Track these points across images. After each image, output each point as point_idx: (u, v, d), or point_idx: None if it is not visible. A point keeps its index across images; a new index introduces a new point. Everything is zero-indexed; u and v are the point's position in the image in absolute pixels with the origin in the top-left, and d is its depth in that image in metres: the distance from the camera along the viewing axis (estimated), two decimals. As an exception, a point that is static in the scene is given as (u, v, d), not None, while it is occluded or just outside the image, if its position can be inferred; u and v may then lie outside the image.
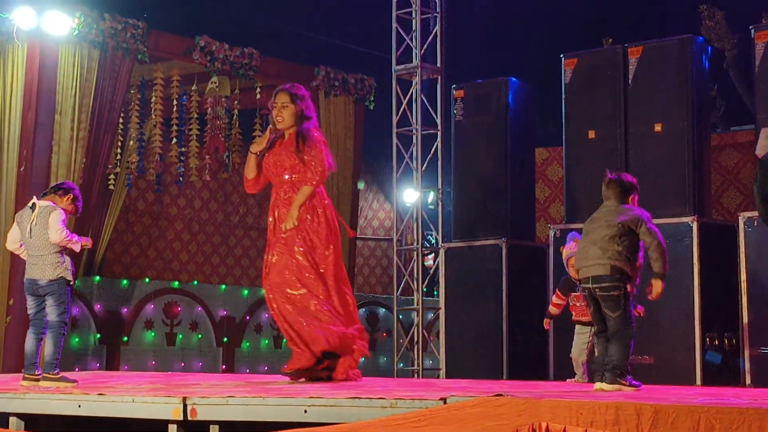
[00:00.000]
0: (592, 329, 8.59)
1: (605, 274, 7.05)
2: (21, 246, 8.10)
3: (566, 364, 10.73)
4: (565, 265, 9.13)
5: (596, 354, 7.42)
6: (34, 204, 8.00)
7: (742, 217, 10.07)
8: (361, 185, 14.85)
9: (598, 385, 7.04)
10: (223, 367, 14.30)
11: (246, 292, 15.04)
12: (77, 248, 7.99)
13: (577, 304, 9.06)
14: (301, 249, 8.39)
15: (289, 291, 8.34)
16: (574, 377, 9.28)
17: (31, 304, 7.99)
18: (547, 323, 9.56)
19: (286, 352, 15.22)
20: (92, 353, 13.17)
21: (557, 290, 9.29)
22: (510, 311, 11.78)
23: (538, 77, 14.11)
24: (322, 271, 8.41)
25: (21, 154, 12.01)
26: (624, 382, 6.96)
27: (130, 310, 13.59)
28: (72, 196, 8.12)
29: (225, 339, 14.39)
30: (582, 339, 9.11)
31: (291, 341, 8.33)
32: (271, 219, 8.65)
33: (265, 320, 14.77)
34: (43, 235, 7.87)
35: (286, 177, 8.47)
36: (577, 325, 9.20)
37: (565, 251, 9.09)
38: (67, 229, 7.94)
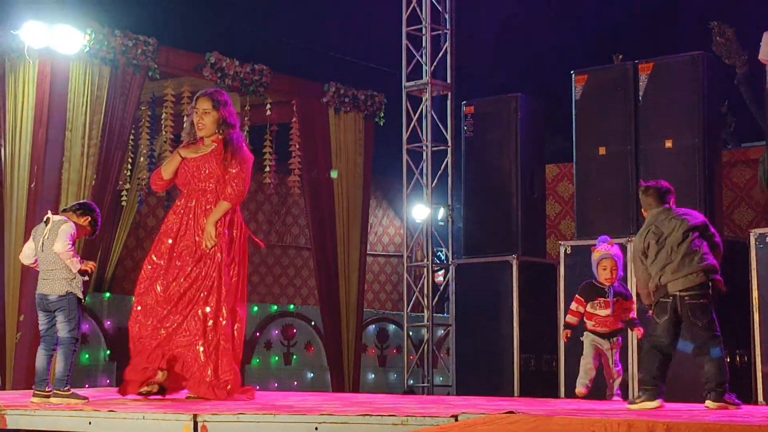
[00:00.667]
0: (612, 340, 8.65)
1: (696, 284, 7.03)
2: (35, 261, 8.09)
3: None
4: (594, 268, 8.72)
5: (642, 370, 7.30)
6: (48, 218, 8.00)
7: (754, 234, 10.05)
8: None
9: (708, 403, 6.94)
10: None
11: (256, 308, 15.02)
12: (74, 268, 7.93)
13: (600, 313, 8.63)
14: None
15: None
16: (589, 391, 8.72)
17: (42, 320, 7.98)
18: (566, 335, 8.97)
19: (296, 368, 15.25)
20: (102, 370, 13.17)
21: (577, 296, 8.83)
22: (520, 328, 11.76)
23: (549, 93, 14.11)
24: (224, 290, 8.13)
25: (32, 170, 12.02)
26: (728, 400, 6.91)
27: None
28: (91, 219, 8.09)
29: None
30: (588, 341, 8.71)
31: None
32: (183, 226, 8.19)
33: (275, 337, 14.77)
34: (53, 245, 7.87)
35: (211, 186, 8.17)
36: (592, 336, 8.71)
37: (597, 252, 8.72)
38: (73, 246, 7.92)
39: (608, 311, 8.52)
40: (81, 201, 8.45)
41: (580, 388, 8.66)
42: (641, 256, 7.24)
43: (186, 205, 8.23)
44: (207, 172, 8.18)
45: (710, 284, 7.08)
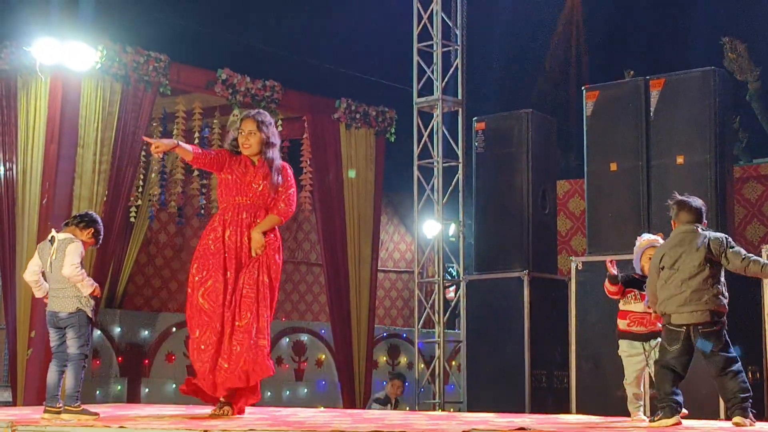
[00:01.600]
0: (651, 344, 7.66)
1: (702, 321, 6.96)
2: (38, 278, 8.09)
3: (589, 397, 10.69)
4: (637, 258, 7.84)
5: (656, 389, 7.17)
6: (53, 237, 8.00)
7: (766, 250, 10.01)
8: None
9: (738, 419, 6.88)
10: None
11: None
12: (85, 291, 7.95)
13: (635, 309, 7.76)
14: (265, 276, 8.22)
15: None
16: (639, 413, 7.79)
17: (53, 336, 7.99)
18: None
19: (306, 382, 15.24)
20: (113, 385, 13.16)
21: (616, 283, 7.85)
22: (532, 343, 11.73)
23: (560, 110, 14.11)
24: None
25: (43, 186, 12.04)
26: (748, 415, 6.89)
27: (152, 343, 13.58)
28: (93, 231, 8.11)
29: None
30: (636, 361, 7.71)
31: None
32: (234, 238, 8.29)
33: (284, 351, 14.75)
34: (62, 268, 7.87)
35: (249, 201, 8.29)
36: (626, 343, 7.77)
37: (645, 240, 7.85)
38: (82, 267, 7.92)
39: (642, 305, 7.65)
40: (82, 213, 8.40)
41: (638, 415, 7.75)
42: (658, 270, 7.14)
43: (231, 220, 8.33)
44: (257, 189, 8.33)
45: (719, 313, 7.01)
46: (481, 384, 12.10)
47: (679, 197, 7.39)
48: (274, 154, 8.45)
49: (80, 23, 12.72)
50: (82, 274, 7.88)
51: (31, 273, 8.15)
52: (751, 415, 6.86)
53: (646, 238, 7.93)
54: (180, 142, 8.52)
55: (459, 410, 12.17)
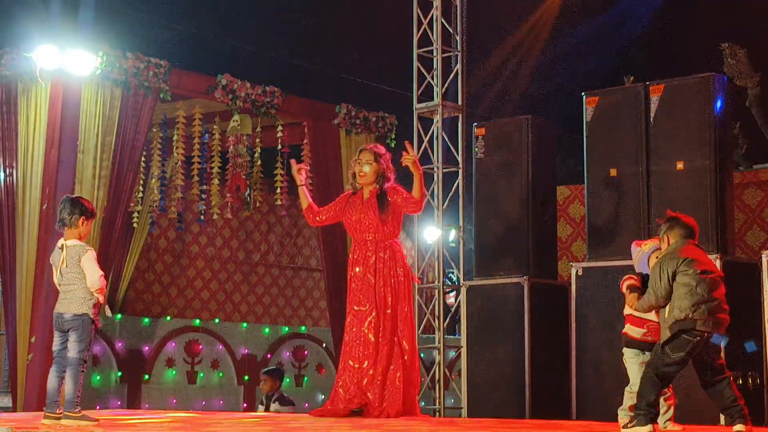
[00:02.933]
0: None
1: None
2: None
3: (589, 403, 10.69)
4: (643, 262, 7.52)
5: (639, 395, 7.01)
6: (63, 245, 7.98)
7: (766, 255, 10.01)
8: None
9: (738, 427, 6.87)
10: (245, 405, 14.26)
11: (267, 330, 15.02)
12: (102, 299, 7.98)
13: (652, 318, 7.36)
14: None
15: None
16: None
17: (56, 340, 7.97)
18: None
19: (307, 390, 15.22)
20: (113, 391, 13.17)
21: (631, 277, 7.53)
22: (532, 349, 11.72)
23: (560, 115, 14.11)
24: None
25: (43, 191, 12.05)
26: (749, 423, 6.88)
27: (152, 348, 13.59)
28: (82, 219, 8.03)
29: (246, 377, 14.36)
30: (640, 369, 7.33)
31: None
32: (359, 269, 9.15)
33: (286, 359, 14.75)
34: (73, 272, 7.86)
35: (370, 237, 9.06)
36: (634, 352, 7.51)
37: (649, 244, 7.58)
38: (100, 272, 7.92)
39: (653, 314, 7.29)
40: (64, 208, 8.21)
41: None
42: (669, 278, 6.93)
43: (357, 256, 9.18)
44: (366, 224, 9.10)
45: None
46: (481, 390, 12.08)
47: (673, 215, 7.30)
48: (385, 186, 9.16)
49: (80, 29, 12.73)
50: (103, 281, 7.89)
51: (56, 283, 8.13)
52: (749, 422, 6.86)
53: (649, 242, 7.69)
54: (305, 188, 9.45)
55: (459, 416, 12.16)
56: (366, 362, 8.86)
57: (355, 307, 9.07)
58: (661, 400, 7.24)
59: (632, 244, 7.85)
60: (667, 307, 6.93)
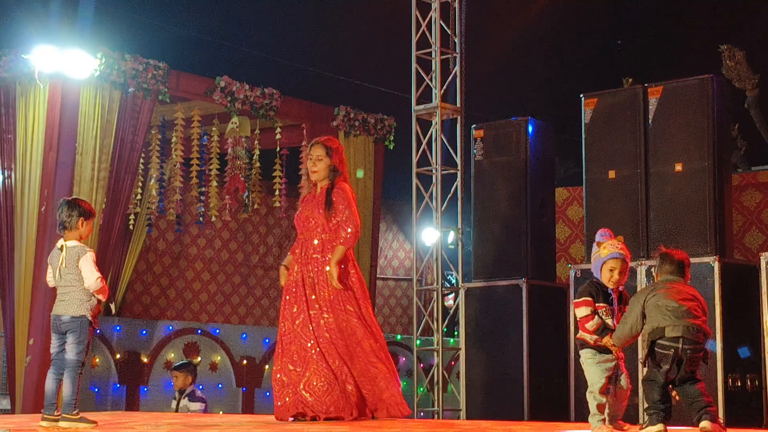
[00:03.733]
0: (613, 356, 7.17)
1: (699, 342, 6.82)
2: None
3: (587, 406, 10.68)
4: (597, 268, 7.24)
5: (645, 399, 6.99)
6: (62, 246, 7.97)
7: (764, 258, 10.01)
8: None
9: (704, 424, 6.84)
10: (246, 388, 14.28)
11: (267, 341, 15.02)
12: (104, 297, 7.97)
13: (609, 322, 7.10)
14: (351, 309, 8.67)
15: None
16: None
17: (54, 342, 7.96)
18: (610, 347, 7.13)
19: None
20: (112, 394, 13.15)
21: (586, 298, 7.19)
22: (530, 351, 11.72)
23: (558, 117, 14.11)
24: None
25: (42, 194, 12.05)
26: (717, 420, 6.85)
27: (150, 351, 13.58)
28: (81, 219, 8.03)
29: (245, 378, 14.36)
30: (606, 368, 7.10)
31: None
32: (297, 269, 8.74)
33: (284, 360, 14.71)
34: (72, 274, 7.85)
35: (316, 242, 8.68)
36: (592, 351, 7.16)
37: (605, 249, 7.24)
38: (99, 273, 7.91)
39: (612, 322, 7.08)
40: (62, 211, 8.18)
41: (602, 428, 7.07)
42: (640, 312, 6.85)
43: (300, 255, 8.76)
44: (314, 224, 8.69)
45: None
46: (479, 392, 12.08)
47: (665, 250, 7.13)
48: (335, 181, 8.77)
49: (79, 31, 12.74)
50: (102, 281, 7.87)
51: (50, 282, 8.12)
52: (720, 421, 6.79)
53: (604, 244, 7.30)
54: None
55: (458, 418, 12.16)
56: (300, 366, 8.44)
57: (294, 309, 8.65)
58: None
59: (599, 232, 7.48)
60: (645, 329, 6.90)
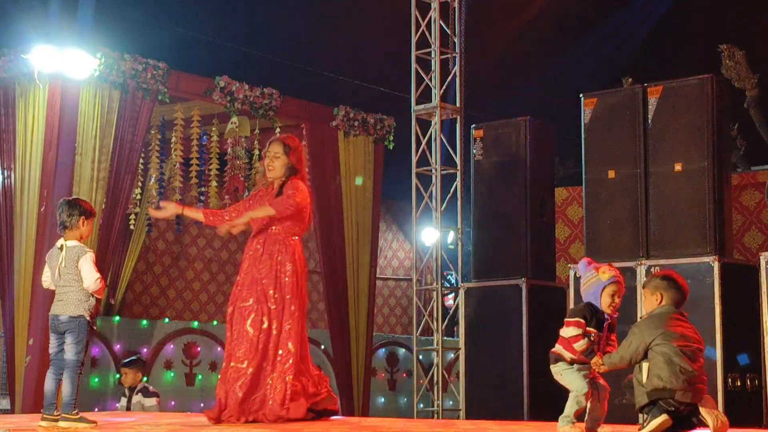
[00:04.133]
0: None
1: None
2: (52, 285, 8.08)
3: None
4: (596, 293, 7.08)
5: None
6: (62, 245, 7.97)
7: (764, 257, 10.02)
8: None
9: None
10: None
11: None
12: (101, 294, 7.97)
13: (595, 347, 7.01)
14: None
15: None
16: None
17: (53, 342, 7.96)
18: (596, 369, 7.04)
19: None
20: (112, 393, 13.16)
21: (578, 319, 7.07)
22: (530, 351, 11.72)
23: (558, 117, 14.10)
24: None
25: (41, 194, 12.03)
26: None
27: (150, 351, 13.58)
28: (82, 219, 8.03)
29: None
30: (582, 375, 6.98)
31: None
32: (247, 264, 8.79)
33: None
34: (71, 274, 7.85)
35: (273, 229, 8.61)
36: (565, 364, 7.09)
37: (605, 274, 7.08)
38: (98, 273, 7.90)
39: (596, 348, 7.01)
40: (63, 210, 8.18)
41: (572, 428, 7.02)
42: (642, 351, 6.74)
43: (254, 247, 8.74)
44: (265, 218, 8.58)
45: None
46: (479, 391, 12.09)
47: (664, 273, 7.04)
48: (291, 179, 8.59)
49: (79, 31, 12.73)
50: (101, 281, 7.87)
51: (45, 283, 8.12)
52: None
53: (604, 267, 7.14)
54: (185, 209, 9.07)
55: (458, 417, 12.16)
56: (246, 362, 8.32)
57: (240, 303, 8.64)
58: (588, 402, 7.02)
59: (582, 262, 7.32)
60: (644, 370, 6.73)
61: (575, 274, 11.10)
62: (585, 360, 6.96)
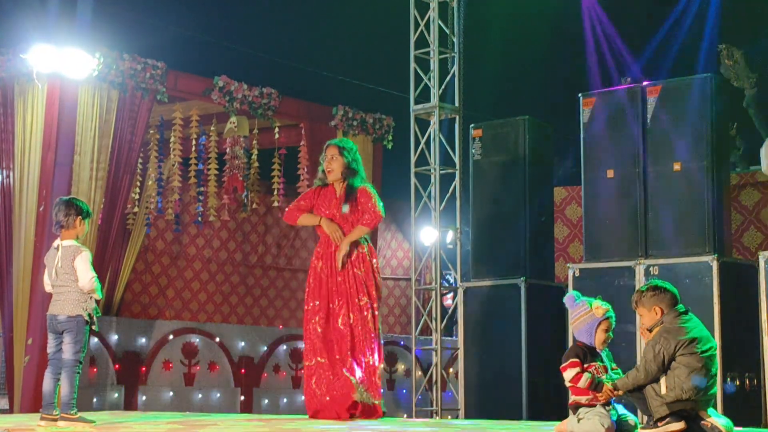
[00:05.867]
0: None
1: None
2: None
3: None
4: (590, 330, 6.94)
5: None
6: (58, 246, 7.97)
7: (763, 257, 10.01)
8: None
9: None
10: (242, 398, 14.26)
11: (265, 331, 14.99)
12: (100, 296, 7.97)
13: (606, 380, 6.89)
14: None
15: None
16: None
17: (51, 342, 7.96)
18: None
19: (303, 390, 15.19)
20: (110, 393, 13.15)
21: (573, 360, 6.94)
22: (529, 350, 11.72)
23: (557, 116, 14.10)
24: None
25: (40, 194, 12.03)
26: None
27: (149, 350, 13.57)
28: (78, 218, 8.03)
29: (243, 378, 14.35)
30: (600, 415, 6.78)
31: None
32: (321, 264, 9.18)
33: (283, 359, 14.73)
34: (67, 273, 7.84)
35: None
36: (585, 409, 6.89)
37: (599, 309, 6.96)
38: (94, 273, 7.90)
39: (606, 378, 6.88)
40: (59, 210, 8.16)
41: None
42: (665, 363, 6.61)
43: (326, 251, 9.20)
44: (336, 221, 9.15)
45: None
46: (478, 391, 12.09)
47: (653, 286, 6.89)
48: (352, 181, 9.17)
49: (77, 30, 12.70)
50: (94, 281, 7.86)
51: (47, 287, 8.11)
52: None
53: (597, 303, 7.00)
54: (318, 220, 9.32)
55: (456, 417, 12.16)
56: (324, 357, 8.97)
57: (313, 303, 9.12)
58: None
59: (570, 296, 7.20)
60: (663, 383, 6.62)
61: (574, 273, 11.11)
62: (598, 397, 6.80)
